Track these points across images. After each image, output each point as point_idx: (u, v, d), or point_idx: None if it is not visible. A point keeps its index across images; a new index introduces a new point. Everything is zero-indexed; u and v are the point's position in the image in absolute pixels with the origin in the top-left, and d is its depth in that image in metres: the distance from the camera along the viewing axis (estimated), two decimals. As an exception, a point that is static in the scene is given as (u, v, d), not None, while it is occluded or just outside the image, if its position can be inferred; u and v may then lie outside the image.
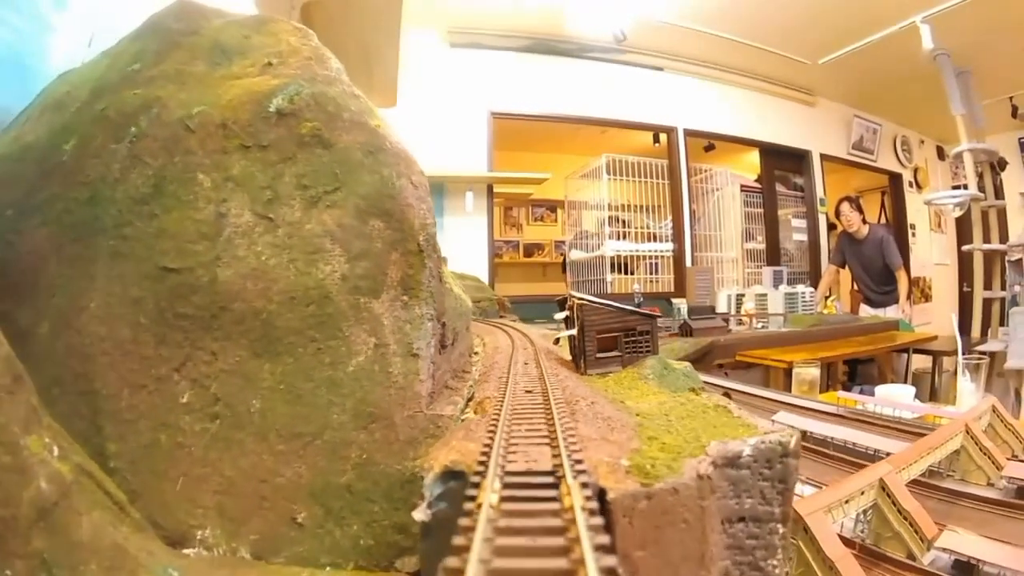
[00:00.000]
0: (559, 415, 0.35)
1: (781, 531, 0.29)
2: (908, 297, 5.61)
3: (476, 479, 0.26)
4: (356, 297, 0.42)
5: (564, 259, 6.26)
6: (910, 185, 7.20)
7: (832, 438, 1.67)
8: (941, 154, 7.57)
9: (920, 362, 5.48)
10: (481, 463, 0.28)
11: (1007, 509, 1.33)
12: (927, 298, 7.23)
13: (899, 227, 7.09)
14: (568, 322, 0.63)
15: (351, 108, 0.47)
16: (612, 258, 5.21)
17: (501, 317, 2.52)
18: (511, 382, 0.44)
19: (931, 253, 7.35)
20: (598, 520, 0.22)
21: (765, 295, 4.61)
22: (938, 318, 7.09)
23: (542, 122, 5.43)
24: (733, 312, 4.61)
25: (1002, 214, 6.40)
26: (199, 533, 0.40)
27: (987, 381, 5.86)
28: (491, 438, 0.32)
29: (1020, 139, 7.29)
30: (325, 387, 0.40)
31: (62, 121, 0.69)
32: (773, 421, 1.80)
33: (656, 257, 5.57)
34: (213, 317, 0.42)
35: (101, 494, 0.40)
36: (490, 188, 5.05)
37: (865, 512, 1.18)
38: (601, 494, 0.25)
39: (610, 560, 0.19)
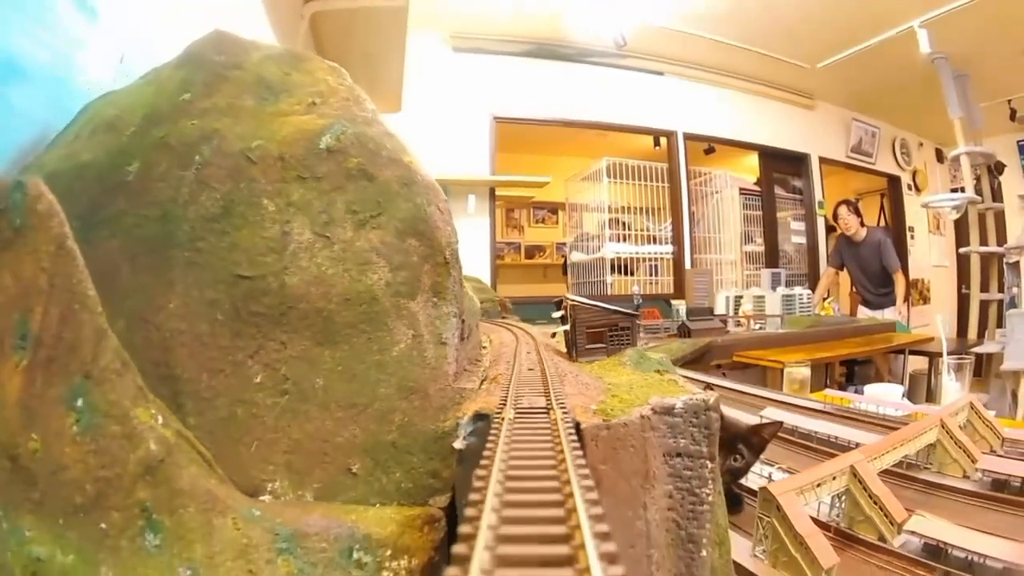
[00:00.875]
0: (551, 381, 0.48)
1: (710, 466, 0.40)
2: (905, 299, 5.71)
3: (499, 412, 0.39)
4: (397, 299, 0.53)
5: (565, 261, 6.37)
6: (909, 188, 7.30)
7: (816, 432, 1.78)
8: (940, 157, 7.67)
9: (918, 363, 5.56)
10: (500, 404, 0.41)
11: (981, 500, 1.44)
12: (925, 300, 7.33)
13: (898, 229, 7.18)
14: (563, 319, 0.76)
15: (388, 147, 0.59)
16: (612, 260, 5.33)
17: (503, 318, 2.63)
18: (517, 364, 0.57)
19: (930, 255, 7.44)
20: (571, 426, 0.34)
21: (763, 297, 4.72)
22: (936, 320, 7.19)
23: (544, 126, 5.54)
24: (731, 313, 4.72)
25: (1000, 216, 6.49)
26: (269, 485, 0.52)
27: (985, 382, 5.96)
28: (505, 393, 0.45)
29: (1019, 142, 7.37)
30: (374, 368, 0.52)
31: (118, 144, 0.80)
32: (761, 417, 1.91)
33: (656, 259, 5.68)
34: (282, 315, 0.53)
35: (195, 453, 0.51)
36: (492, 191, 5.16)
37: (839, 497, 1.29)
38: (577, 426, 0.37)
39: (574, 437, 0.31)
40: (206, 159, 0.66)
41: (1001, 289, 6.21)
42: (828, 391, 2.22)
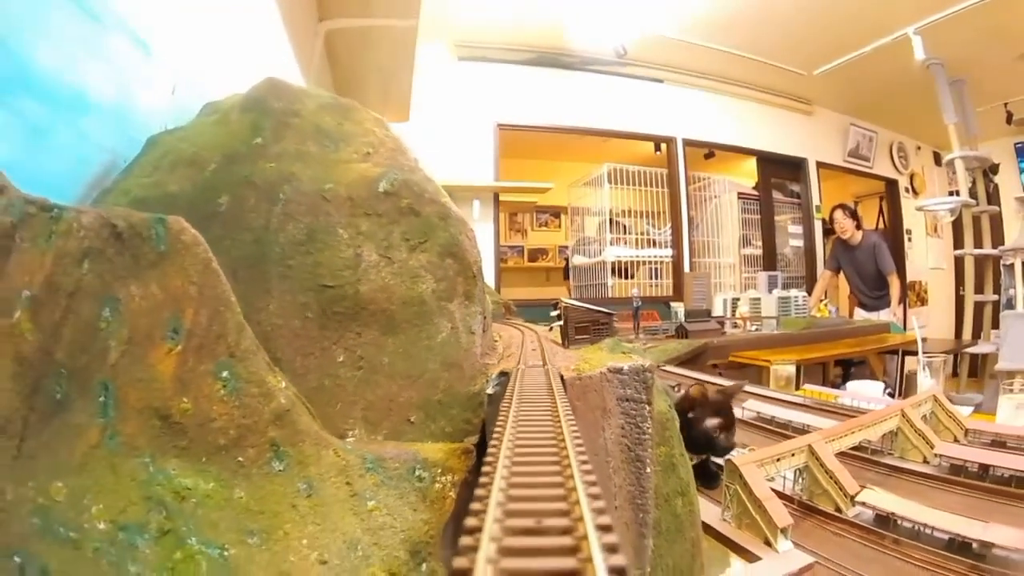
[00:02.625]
0: (547, 355, 0.70)
1: (648, 408, 0.62)
2: (900, 301, 5.92)
3: (514, 369, 0.61)
4: (440, 301, 0.76)
5: (566, 265, 6.60)
6: (906, 191, 7.51)
7: (791, 422, 2.01)
8: (938, 160, 7.87)
9: (914, 364, 5.71)
10: (515, 366, 0.64)
11: (937, 482, 1.66)
12: (923, 302, 7.53)
13: (895, 232, 7.39)
14: (559, 317, 0.99)
15: (429, 190, 0.81)
16: (613, 263, 5.56)
17: (507, 319, 2.84)
18: (524, 347, 0.80)
19: (927, 258, 7.65)
20: (558, 378, 0.57)
21: (759, 299, 4.93)
22: (934, 321, 7.39)
23: (546, 133, 5.76)
24: (728, 315, 4.93)
25: (995, 219, 6.69)
26: (350, 433, 0.74)
27: (980, 382, 6.14)
28: (518, 361, 0.67)
29: (1016, 144, 7.53)
30: (424, 350, 0.74)
31: (202, 179, 1.02)
32: (743, 408, 2.14)
33: (657, 262, 5.91)
34: (357, 313, 0.75)
35: (304, 407, 0.74)
36: (496, 196, 5.39)
37: (801, 473, 1.51)
38: (561, 377, 0.59)
39: (561, 384, 0.53)
40: (288, 197, 0.89)
41: (996, 291, 6.41)
42: (808, 386, 2.44)
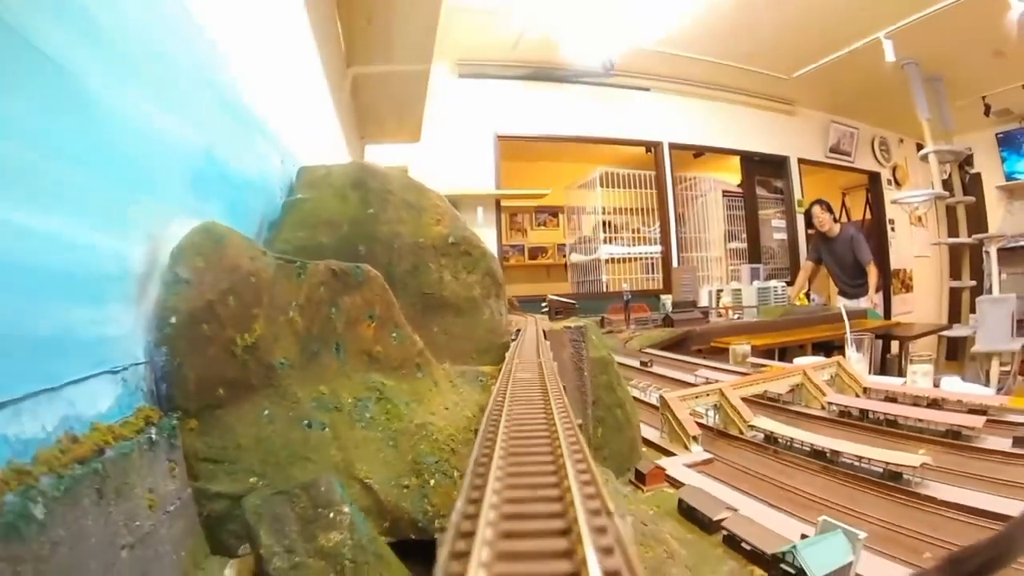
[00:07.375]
0: (537, 324, 1.58)
1: (583, 345, 1.48)
2: (877, 289, 6.79)
3: (523, 330, 1.50)
4: (484, 299, 1.65)
5: (566, 264, 7.48)
6: (889, 183, 8.38)
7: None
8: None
9: (895, 350, 6.53)
10: (524, 327, 1.53)
11: (826, 422, 2.52)
12: (907, 288, 8.40)
13: (878, 223, 8.27)
14: (547, 306, 1.89)
15: (475, 240, 1.69)
16: (606, 260, 6.45)
17: (511, 312, 3.70)
18: (527, 322, 1.69)
19: (912, 246, 8.52)
20: (542, 332, 1.46)
21: (740, 290, 5.81)
22: (920, 307, 8.26)
23: (542, 141, 6.63)
24: (713, 305, 5.81)
25: (971, 209, 7.56)
26: (443, 365, 1.63)
27: (960, 364, 6.96)
28: (524, 326, 1.56)
29: (997, 134, 8.35)
30: (477, 325, 1.63)
31: (342, 234, 1.87)
32: (695, 375, 3.02)
33: (648, 258, 6.80)
34: (442, 307, 1.63)
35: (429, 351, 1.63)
36: (498, 202, 6.27)
37: (717, 409, 2.39)
38: (544, 331, 1.47)
39: (543, 334, 1.42)
40: (399, 246, 1.77)
41: (973, 277, 7.28)
42: (752, 359, 3.32)
